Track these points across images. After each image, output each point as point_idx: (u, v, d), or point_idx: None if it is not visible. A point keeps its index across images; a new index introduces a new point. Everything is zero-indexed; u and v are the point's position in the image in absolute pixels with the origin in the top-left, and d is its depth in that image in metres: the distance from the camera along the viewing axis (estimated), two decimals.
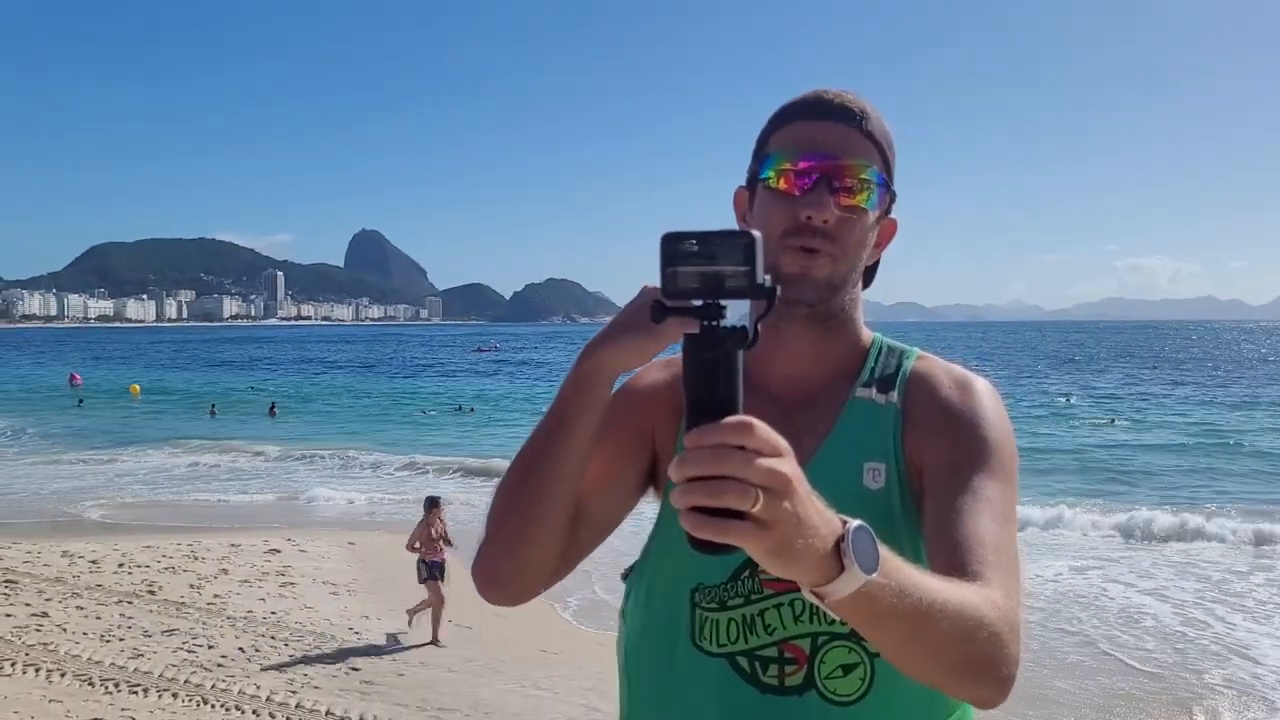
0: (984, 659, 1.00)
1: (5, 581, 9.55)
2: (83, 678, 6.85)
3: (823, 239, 1.22)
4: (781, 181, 1.24)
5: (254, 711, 6.35)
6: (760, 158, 1.29)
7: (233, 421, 30.82)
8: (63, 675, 6.89)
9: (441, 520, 8.41)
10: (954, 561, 1.10)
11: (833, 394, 1.32)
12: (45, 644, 7.58)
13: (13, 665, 7.07)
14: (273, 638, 7.99)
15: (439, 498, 8.90)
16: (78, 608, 8.68)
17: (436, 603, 8.19)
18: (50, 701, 6.38)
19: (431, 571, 8.18)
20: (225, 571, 10.34)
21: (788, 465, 0.80)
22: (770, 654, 1.24)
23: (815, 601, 0.89)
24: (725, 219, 1.35)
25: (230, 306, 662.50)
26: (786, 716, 1.23)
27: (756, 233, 0.84)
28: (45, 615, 8.39)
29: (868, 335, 1.37)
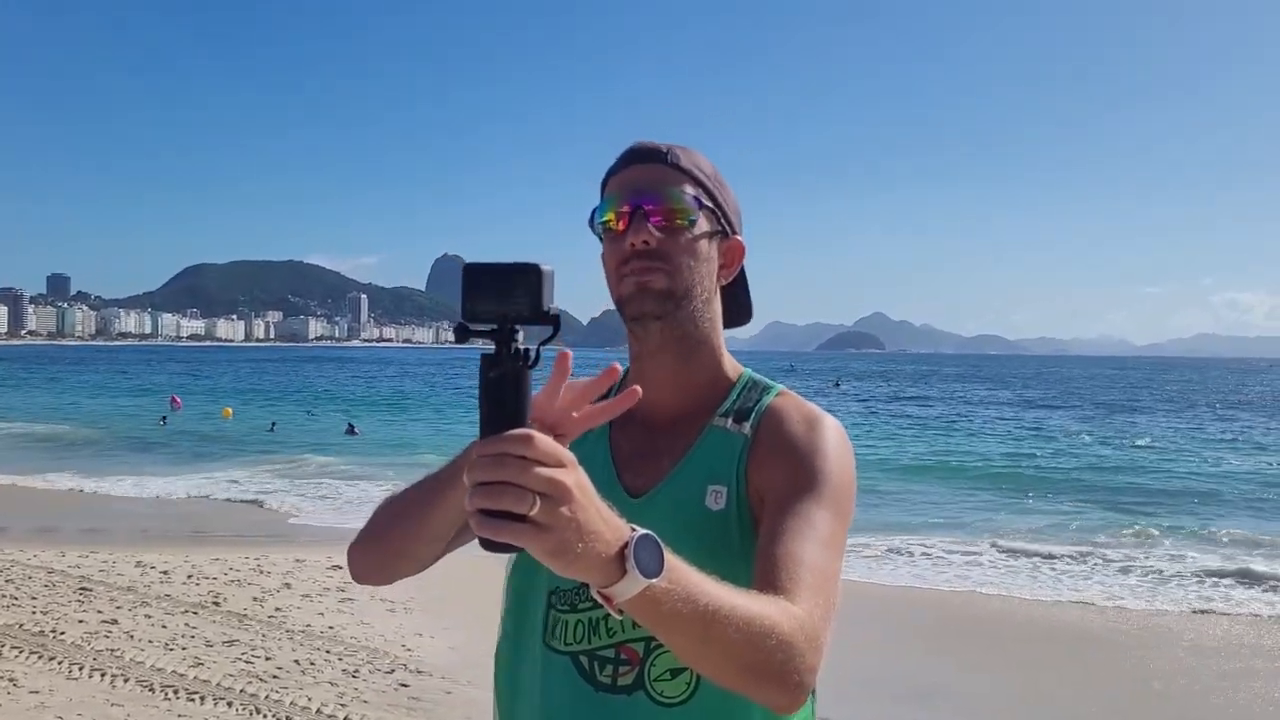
0: (773, 665, 1.05)
1: (80, 589, 9.95)
2: (144, 684, 7.10)
3: (650, 258, 1.35)
4: (612, 227, 1.39)
5: None
6: (596, 211, 1.43)
7: (313, 439, 31.64)
8: (126, 681, 7.15)
9: None
10: (769, 577, 1.17)
11: (693, 422, 1.43)
12: (112, 650, 7.87)
13: (80, 669, 7.36)
14: (328, 651, 8.18)
15: None
16: (146, 616, 8.99)
17: None
18: (112, 706, 6.63)
19: None
20: (289, 586, 10.61)
21: (568, 475, 0.88)
22: (608, 654, 1.34)
23: (602, 603, 0.96)
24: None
25: (315, 328, 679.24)
26: (616, 714, 1.32)
27: (547, 266, 0.92)
28: (115, 622, 8.71)
29: (736, 370, 1.48)
